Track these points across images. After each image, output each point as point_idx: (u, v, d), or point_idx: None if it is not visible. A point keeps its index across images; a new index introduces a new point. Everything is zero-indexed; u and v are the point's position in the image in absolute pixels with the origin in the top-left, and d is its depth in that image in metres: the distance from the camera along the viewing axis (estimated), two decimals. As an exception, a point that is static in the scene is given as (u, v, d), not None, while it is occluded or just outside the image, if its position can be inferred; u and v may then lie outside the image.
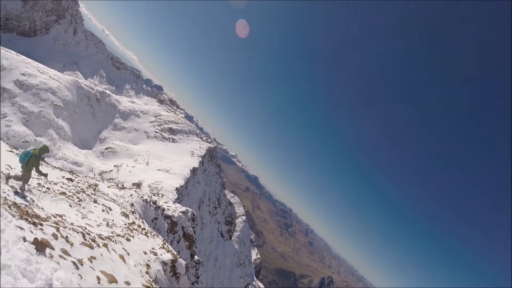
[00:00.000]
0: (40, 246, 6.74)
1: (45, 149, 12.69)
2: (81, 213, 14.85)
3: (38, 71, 72.12)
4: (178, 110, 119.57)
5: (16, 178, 12.42)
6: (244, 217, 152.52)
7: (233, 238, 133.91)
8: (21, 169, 12.46)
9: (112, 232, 14.23)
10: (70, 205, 14.76)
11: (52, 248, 7.23)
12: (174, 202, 54.73)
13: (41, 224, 8.32)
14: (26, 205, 10.26)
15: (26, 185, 12.59)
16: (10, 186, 11.98)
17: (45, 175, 13.35)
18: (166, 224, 35.47)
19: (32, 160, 12.16)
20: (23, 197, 11.67)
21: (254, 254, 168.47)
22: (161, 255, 15.60)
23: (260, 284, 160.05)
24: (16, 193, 11.66)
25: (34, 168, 12.36)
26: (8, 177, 12.32)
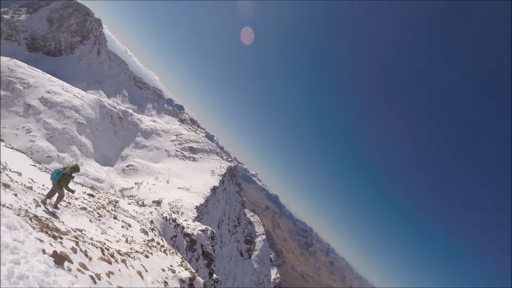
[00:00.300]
0: (59, 259, 6.81)
1: (76, 169, 13.32)
2: (101, 228, 14.97)
3: (63, 89, 74.60)
4: (199, 129, 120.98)
5: (49, 196, 12.98)
6: (264, 236, 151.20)
7: (252, 257, 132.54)
8: (53, 186, 12.99)
9: (131, 249, 14.27)
10: (90, 220, 14.92)
11: (71, 262, 7.30)
12: (193, 220, 54.74)
13: (61, 238, 8.43)
14: (47, 219, 10.43)
15: (61, 202, 13.39)
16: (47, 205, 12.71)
17: (73, 191, 13.77)
18: (185, 242, 35.40)
19: (63, 178, 12.77)
20: (53, 213, 12.22)
21: (274, 274, 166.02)
22: (179, 272, 15.53)
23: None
24: (46, 207, 12.40)
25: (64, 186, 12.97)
26: (43, 202, 12.69)
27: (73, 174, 13.75)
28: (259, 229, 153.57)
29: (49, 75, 75.74)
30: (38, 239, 7.13)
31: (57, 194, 13.21)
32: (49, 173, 23.44)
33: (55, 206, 13.04)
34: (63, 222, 11.74)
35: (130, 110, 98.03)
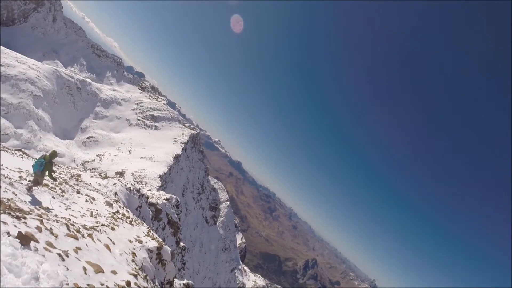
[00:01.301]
0: (25, 239, 6.72)
1: (54, 155, 14.02)
2: (65, 204, 14.76)
3: (17, 61, 70.35)
4: (160, 97, 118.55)
5: (35, 184, 13.68)
6: (228, 202, 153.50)
7: (217, 224, 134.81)
8: (33, 174, 14.13)
9: (97, 222, 14.21)
10: (53, 197, 14.64)
11: (37, 241, 7.23)
12: (158, 190, 54.60)
13: (25, 218, 8.27)
14: (9, 199, 10.16)
15: (34, 187, 13.75)
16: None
17: (55, 179, 15.27)
18: (151, 212, 35.48)
19: (46, 167, 13.50)
20: (30, 195, 13.00)
21: (239, 239, 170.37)
22: (146, 242, 15.68)
23: (245, 268, 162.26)
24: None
25: (47, 173, 13.79)
26: (29, 188, 13.36)
27: (53, 161, 14.42)
28: (223, 195, 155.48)
29: (1, 47, 70.84)
30: (1, 221, 6.98)
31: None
32: (7, 151, 22.59)
33: (29, 189, 13.36)
34: (25, 201, 11.48)
35: (88, 80, 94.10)
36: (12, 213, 8.10)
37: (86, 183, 24.17)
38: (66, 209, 13.87)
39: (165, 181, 72.72)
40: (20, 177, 15.32)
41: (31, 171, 16.89)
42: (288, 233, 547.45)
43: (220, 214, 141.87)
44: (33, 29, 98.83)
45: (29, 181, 14.58)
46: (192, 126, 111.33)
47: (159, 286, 15.40)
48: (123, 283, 9.00)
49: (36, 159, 14.66)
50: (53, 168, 15.49)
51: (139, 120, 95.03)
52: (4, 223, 6.99)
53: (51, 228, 8.71)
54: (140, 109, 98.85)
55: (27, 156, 27.56)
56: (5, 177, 13.38)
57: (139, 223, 20.71)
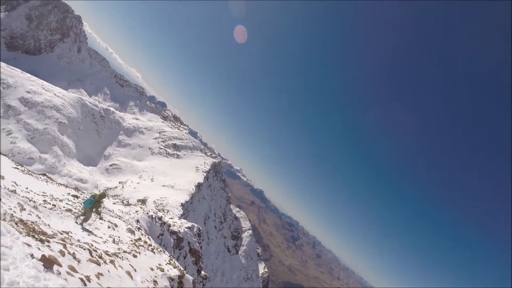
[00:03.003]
0: (48, 263, 6.74)
1: (103, 195, 16.57)
2: (87, 230, 14.86)
3: (43, 88, 73.14)
4: (182, 126, 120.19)
5: (85, 220, 15.92)
6: (250, 231, 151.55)
7: (239, 253, 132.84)
8: (83, 209, 16.21)
9: (119, 249, 14.20)
10: (76, 222, 14.78)
11: (60, 265, 7.23)
12: (179, 218, 54.57)
13: (48, 241, 8.33)
14: (33, 222, 10.28)
15: (85, 223, 15.89)
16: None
17: (100, 215, 18.01)
18: (172, 240, 35.33)
19: (95, 205, 15.95)
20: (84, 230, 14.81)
21: (262, 268, 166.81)
22: (168, 271, 15.51)
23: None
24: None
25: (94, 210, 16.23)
26: (81, 224, 15.48)
27: (102, 200, 16.96)
28: (245, 224, 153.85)
29: (28, 75, 74.06)
30: (26, 243, 7.03)
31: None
32: (32, 175, 23.15)
33: (82, 223, 15.55)
34: (49, 225, 11.60)
35: (112, 108, 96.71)
36: (36, 236, 8.17)
37: (108, 210, 24.38)
38: (88, 235, 13.94)
39: (187, 209, 72.68)
40: (44, 201, 15.59)
41: (55, 195, 17.55)
42: (312, 262, 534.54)
43: (242, 243, 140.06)
44: (59, 58, 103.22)
45: (81, 217, 16.29)
46: (213, 155, 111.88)
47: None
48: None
49: (86, 197, 17.81)
50: (101, 206, 17.88)
51: (161, 148, 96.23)
52: (28, 245, 7.04)
53: (74, 253, 8.72)
54: (162, 138, 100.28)
55: (51, 181, 28.11)
56: (30, 200, 13.61)
57: (160, 251, 20.61)
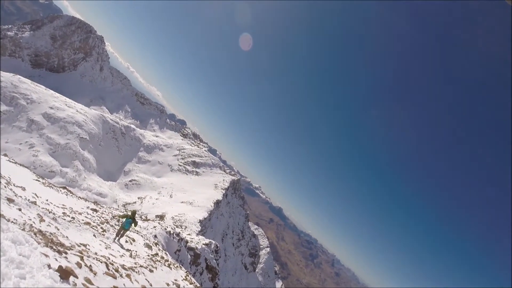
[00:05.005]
0: (64, 274, 6.78)
1: (134, 213, 17.90)
2: (105, 243, 14.93)
3: (66, 105, 75.25)
4: (201, 143, 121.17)
5: (117, 235, 17.37)
6: (268, 249, 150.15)
7: (257, 270, 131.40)
8: (123, 231, 17.48)
9: (135, 263, 14.20)
10: (94, 235, 14.89)
11: (76, 277, 7.26)
12: (197, 234, 54.48)
13: (66, 253, 8.40)
14: (52, 233, 10.40)
15: (116, 237, 17.35)
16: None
17: (136, 231, 20.89)
18: (189, 256, 35.22)
19: (134, 222, 17.50)
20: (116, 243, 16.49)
21: (279, 286, 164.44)
22: (183, 287, 15.42)
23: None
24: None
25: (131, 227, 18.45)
26: (114, 240, 17.05)
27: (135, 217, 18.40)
28: (263, 241, 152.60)
29: (52, 91, 76.48)
30: (43, 254, 7.10)
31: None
32: (52, 188, 23.58)
33: (114, 240, 17.01)
34: (67, 237, 11.72)
35: (132, 126, 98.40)
36: (54, 247, 8.25)
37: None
38: (106, 248, 14.00)
39: (205, 226, 72.56)
40: (63, 213, 15.79)
41: (74, 208, 18.12)
42: (331, 280, 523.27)
43: (260, 261, 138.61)
44: (82, 77, 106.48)
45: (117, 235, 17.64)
46: (232, 172, 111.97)
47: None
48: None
49: (123, 221, 18.00)
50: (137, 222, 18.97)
51: (180, 165, 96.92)
52: (46, 255, 7.10)
53: (90, 265, 8.76)
54: (181, 155, 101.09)
55: (71, 194, 28.54)
56: (49, 212, 13.81)
57: (177, 266, 20.55)
